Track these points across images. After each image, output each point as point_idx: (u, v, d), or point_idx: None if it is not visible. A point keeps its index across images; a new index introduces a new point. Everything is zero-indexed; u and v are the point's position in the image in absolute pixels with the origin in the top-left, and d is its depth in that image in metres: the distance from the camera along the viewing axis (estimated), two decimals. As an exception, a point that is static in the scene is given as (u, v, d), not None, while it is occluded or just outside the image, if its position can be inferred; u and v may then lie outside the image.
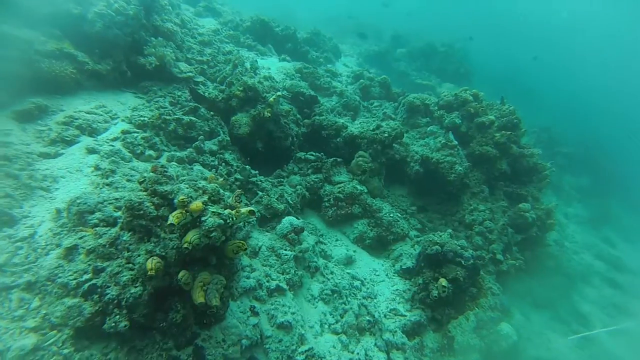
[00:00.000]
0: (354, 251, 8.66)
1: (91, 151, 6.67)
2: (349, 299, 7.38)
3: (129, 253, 4.56)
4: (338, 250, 8.46)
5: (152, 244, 4.54)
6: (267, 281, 6.61)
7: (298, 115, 10.12)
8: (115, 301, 4.48)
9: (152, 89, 8.98)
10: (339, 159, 9.69)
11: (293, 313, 6.39)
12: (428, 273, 7.51)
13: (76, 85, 7.94)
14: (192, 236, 4.34)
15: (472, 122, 11.40)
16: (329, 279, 7.59)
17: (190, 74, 9.62)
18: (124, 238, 4.61)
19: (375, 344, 6.79)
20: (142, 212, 4.52)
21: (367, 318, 7.07)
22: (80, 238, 4.88)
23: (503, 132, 10.88)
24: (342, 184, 9.21)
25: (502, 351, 6.84)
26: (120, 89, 8.83)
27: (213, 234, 4.35)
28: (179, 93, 9.10)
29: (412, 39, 26.41)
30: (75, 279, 4.57)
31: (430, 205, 11.50)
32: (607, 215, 20.30)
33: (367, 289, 7.85)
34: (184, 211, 4.33)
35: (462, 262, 7.39)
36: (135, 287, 4.46)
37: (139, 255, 4.51)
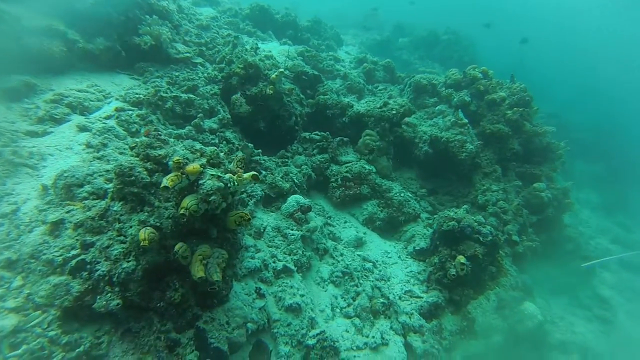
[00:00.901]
0: (364, 233, 8.17)
1: (82, 129, 6.22)
2: (360, 281, 6.89)
3: (120, 224, 4.09)
4: (347, 232, 7.97)
5: (146, 214, 4.08)
6: (274, 262, 6.13)
7: (301, 95, 9.64)
8: (107, 278, 4.03)
9: (148, 70, 8.53)
10: (345, 139, 9.21)
11: (302, 295, 5.91)
12: (444, 251, 7.01)
13: (67, 64, 7.50)
14: (189, 201, 3.87)
15: (482, 100, 10.87)
16: (339, 261, 7.10)
17: (188, 54, 9.17)
18: (115, 208, 4.15)
19: (391, 327, 6.30)
20: (133, 178, 4.05)
21: (382, 300, 6.58)
22: (68, 212, 4.43)
23: (515, 108, 10.34)
24: (349, 164, 8.72)
25: (528, 332, 6.33)
26: (115, 71, 8.39)
27: (212, 197, 3.87)
28: (177, 74, 8.65)
29: (415, 29, 25.85)
30: (61, 255, 4.11)
31: (441, 188, 10.99)
32: (621, 201, 19.66)
33: (380, 271, 7.36)
34: (179, 174, 3.86)
35: (480, 238, 6.89)
36: (128, 261, 4.00)
37: (131, 227, 4.04)
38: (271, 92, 8.19)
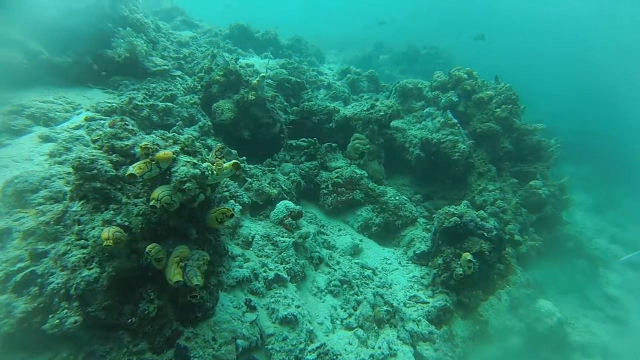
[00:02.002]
0: (361, 240, 7.63)
1: (46, 139, 5.69)
2: (360, 289, 6.30)
3: (80, 227, 3.52)
4: (342, 239, 7.43)
5: (111, 213, 3.53)
6: (264, 271, 5.54)
7: (285, 103, 9.30)
8: (62, 291, 3.41)
9: (123, 83, 8.11)
10: (333, 144, 8.82)
11: (298, 306, 5.30)
12: (448, 250, 6.51)
13: (32, 78, 7.03)
14: (161, 192, 3.35)
15: (470, 100, 10.70)
16: (335, 270, 6.52)
17: (165, 67, 8.80)
18: (74, 209, 3.59)
19: (398, 337, 5.68)
20: (95, 171, 3.52)
21: (385, 308, 5.99)
22: (16, 220, 3.83)
23: (504, 106, 10.17)
24: (339, 169, 8.29)
25: (548, 331, 5.77)
26: (87, 85, 7.94)
27: (187, 185, 3.35)
28: (154, 85, 8.24)
29: (394, 46, 26.25)
30: (3, 269, 3.48)
31: (436, 192, 10.58)
32: (612, 200, 19.56)
33: (380, 278, 6.79)
34: (148, 161, 3.35)
35: (485, 234, 6.43)
36: (90, 268, 3.41)
37: (93, 228, 3.47)
38: (253, 97, 7.82)
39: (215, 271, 4.44)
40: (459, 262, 6.27)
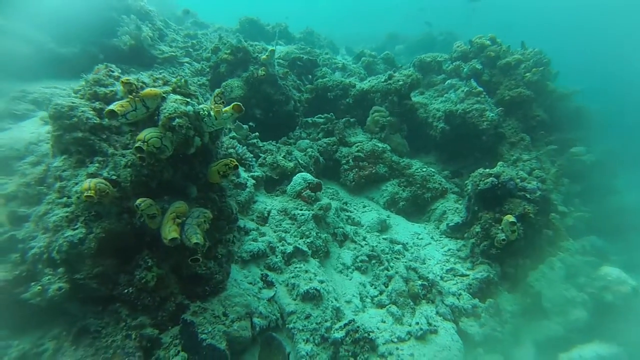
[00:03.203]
0: (388, 216, 6.93)
1: (48, 122, 5.33)
2: (391, 264, 5.60)
3: (62, 183, 3.03)
4: (368, 216, 6.75)
5: (96, 165, 3.03)
6: (282, 245, 4.95)
7: (298, 81, 8.76)
8: (45, 256, 2.92)
9: (129, 71, 7.77)
10: (351, 119, 8.18)
11: (321, 281, 4.67)
12: (486, 216, 5.72)
13: (36, 69, 6.76)
14: (148, 133, 2.82)
15: (495, 68, 9.85)
16: (362, 246, 5.86)
17: (173, 53, 8.45)
18: (55, 164, 3.11)
19: (437, 312, 4.95)
20: (75, 120, 3.04)
21: (420, 282, 5.27)
22: None
23: (534, 69, 9.26)
24: (360, 143, 7.64)
25: (620, 300, 4.83)
26: (94, 75, 7.64)
27: (177, 121, 2.82)
28: (161, 71, 7.87)
29: (409, 37, 25.38)
30: (-17, 236, 3.04)
31: (465, 168, 9.70)
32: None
33: (412, 253, 6.07)
34: (132, 98, 2.83)
35: (527, 195, 5.61)
36: (74, 228, 2.91)
37: (76, 184, 2.97)
38: (263, 73, 7.31)
39: (223, 239, 3.88)
40: (499, 227, 5.48)
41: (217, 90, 3.51)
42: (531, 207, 5.48)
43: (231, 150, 4.44)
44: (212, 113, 3.20)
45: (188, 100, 3.03)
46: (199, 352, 3.28)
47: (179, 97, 3.01)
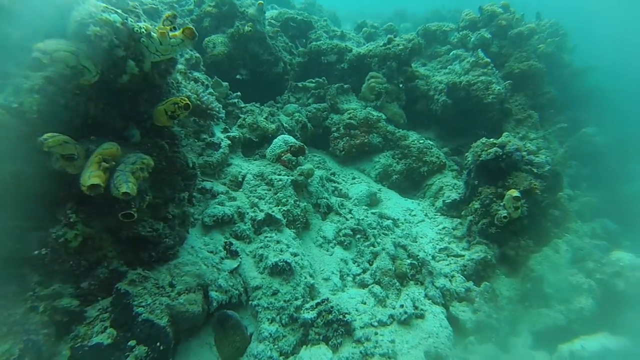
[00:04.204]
0: (379, 189, 6.27)
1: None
2: (378, 239, 4.97)
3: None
4: (357, 188, 6.09)
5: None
6: (254, 212, 4.29)
7: (290, 44, 7.95)
8: None
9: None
10: (345, 85, 7.42)
11: (295, 254, 4.04)
12: (487, 190, 5.05)
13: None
14: (54, 44, 2.12)
15: (505, 39, 9.00)
16: (347, 219, 5.22)
17: (153, 5, 7.58)
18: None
19: (426, 295, 4.34)
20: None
21: (409, 261, 4.64)
22: None
23: (549, 40, 8.41)
24: (353, 110, 6.90)
25: (634, 288, 4.20)
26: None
27: (92, 29, 2.11)
28: (140, 23, 7.05)
29: (416, 14, 24.13)
30: None
31: (466, 146, 8.98)
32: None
33: (403, 230, 5.43)
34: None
35: (535, 169, 4.92)
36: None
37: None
38: (249, 29, 6.53)
39: (176, 198, 3.22)
40: (501, 204, 4.81)
41: (166, 13, 2.79)
42: (538, 183, 4.80)
43: (192, 95, 3.73)
44: (154, 35, 2.49)
45: (115, 9, 2.31)
46: (132, 329, 2.66)
47: (103, 4, 2.28)
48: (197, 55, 6.05)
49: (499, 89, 7.85)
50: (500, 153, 4.91)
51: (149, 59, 2.56)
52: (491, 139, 5.20)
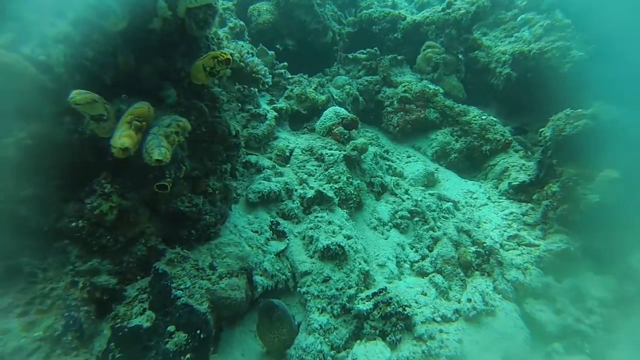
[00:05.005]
0: (436, 169, 5.60)
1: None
2: (438, 223, 4.36)
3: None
4: (413, 166, 5.46)
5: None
6: (302, 189, 3.85)
7: (339, 12, 7.30)
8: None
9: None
10: (399, 56, 6.69)
11: (348, 237, 3.56)
12: (570, 171, 4.23)
13: None
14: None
15: None
16: (403, 200, 4.64)
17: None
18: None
19: (495, 288, 3.70)
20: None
21: (474, 249, 4.01)
22: None
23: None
24: (407, 83, 6.19)
25: None
26: None
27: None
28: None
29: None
30: None
31: (532, 125, 7.93)
32: None
33: (464, 214, 4.77)
34: None
35: (636, 146, 4.01)
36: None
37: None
38: (297, -6, 5.96)
39: (217, 170, 2.84)
40: (589, 187, 3.99)
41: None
42: (640, 163, 3.91)
43: (234, 54, 3.29)
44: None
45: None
46: (172, 313, 2.34)
47: None
48: (242, 23, 5.62)
49: (580, 55, 6.72)
50: (592, 126, 4.05)
51: (185, 2, 2.12)
52: (579, 110, 4.32)
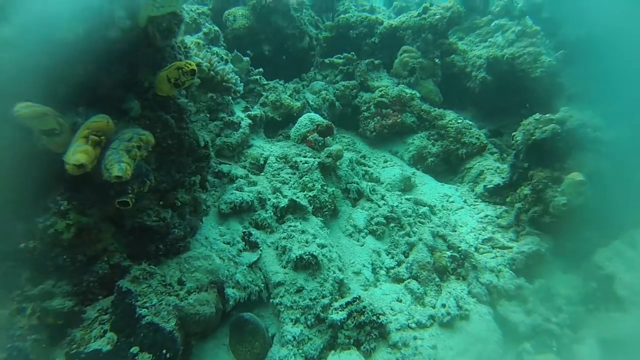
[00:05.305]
0: (413, 173, 5.63)
1: None
2: (414, 228, 4.38)
3: None
4: (390, 171, 5.48)
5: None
6: (276, 198, 3.80)
7: (316, 17, 7.29)
8: None
9: None
10: (376, 61, 6.72)
11: (322, 245, 3.53)
12: (540, 174, 4.32)
13: None
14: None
15: (556, 5, 7.87)
16: (380, 206, 4.64)
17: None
18: None
19: (470, 292, 3.73)
20: None
21: (450, 253, 4.04)
22: None
23: (606, 4, 7.28)
24: (384, 88, 6.22)
25: None
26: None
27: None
28: None
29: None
30: None
31: (508, 127, 8.07)
32: None
33: (440, 218, 4.81)
34: None
35: (602, 148, 4.13)
36: None
37: None
38: None
39: (186, 182, 2.76)
40: (558, 189, 4.08)
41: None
42: (607, 164, 4.02)
43: (203, 63, 3.20)
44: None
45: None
46: (135, 333, 2.26)
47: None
48: (216, 29, 5.54)
49: (549, 60, 6.90)
50: (559, 130, 4.14)
51: (145, 10, 2.05)
52: (547, 115, 4.42)
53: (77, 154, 1.85)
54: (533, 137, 4.33)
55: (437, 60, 6.88)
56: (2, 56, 1.80)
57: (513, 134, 5.07)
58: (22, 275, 2.14)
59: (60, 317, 2.15)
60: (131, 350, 2.19)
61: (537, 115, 4.49)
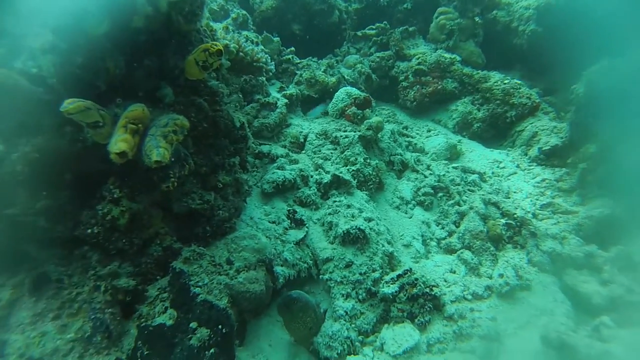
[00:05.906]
0: (459, 141, 5.28)
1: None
2: (464, 197, 4.11)
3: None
4: (434, 140, 5.17)
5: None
6: (318, 174, 3.72)
7: (345, -11, 6.97)
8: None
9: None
10: (410, 28, 6.30)
11: (369, 219, 3.41)
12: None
13: None
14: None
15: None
16: (426, 176, 4.40)
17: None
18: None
19: (530, 261, 3.45)
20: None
21: (504, 221, 3.75)
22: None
23: None
24: (422, 55, 5.84)
25: None
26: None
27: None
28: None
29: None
30: None
31: (562, 83, 7.31)
32: None
33: (492, 185, 4.47)
34: None
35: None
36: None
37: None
38: (299, -24, 5.71)
39: (226, 164, 2.76)
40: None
41: None
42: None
43: (231, 45, 3.12)
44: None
45: None
46: (192, 310, 2.32)
47: None
48: (244, 13, 5.47)
49: None
50: (631, 77, 3.62)
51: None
52: (617, 60, 3.88)
53: (119, 143, 1.87)
54: (599, 88, 3.83)
55: (477, 19, 6.30)
56: (50, 60, 1.85)
57: (573, 87, 4.54)
58: (93, 257, 2.27)
59: (128, 294, 2.27)
60: (190, 325, 2.27)
61: (605, 62, 3.95)
